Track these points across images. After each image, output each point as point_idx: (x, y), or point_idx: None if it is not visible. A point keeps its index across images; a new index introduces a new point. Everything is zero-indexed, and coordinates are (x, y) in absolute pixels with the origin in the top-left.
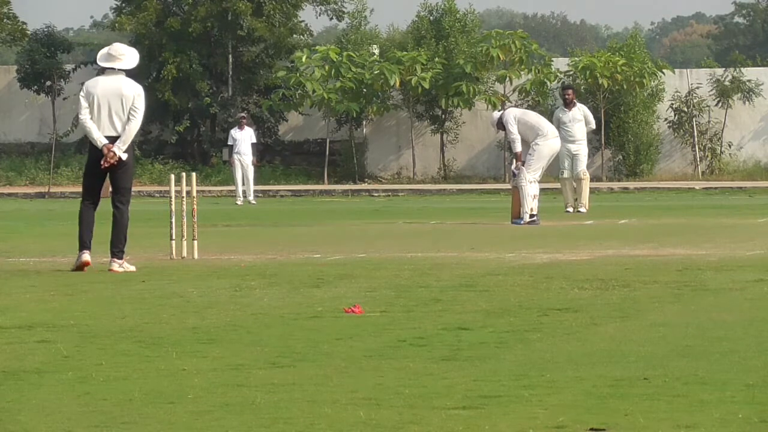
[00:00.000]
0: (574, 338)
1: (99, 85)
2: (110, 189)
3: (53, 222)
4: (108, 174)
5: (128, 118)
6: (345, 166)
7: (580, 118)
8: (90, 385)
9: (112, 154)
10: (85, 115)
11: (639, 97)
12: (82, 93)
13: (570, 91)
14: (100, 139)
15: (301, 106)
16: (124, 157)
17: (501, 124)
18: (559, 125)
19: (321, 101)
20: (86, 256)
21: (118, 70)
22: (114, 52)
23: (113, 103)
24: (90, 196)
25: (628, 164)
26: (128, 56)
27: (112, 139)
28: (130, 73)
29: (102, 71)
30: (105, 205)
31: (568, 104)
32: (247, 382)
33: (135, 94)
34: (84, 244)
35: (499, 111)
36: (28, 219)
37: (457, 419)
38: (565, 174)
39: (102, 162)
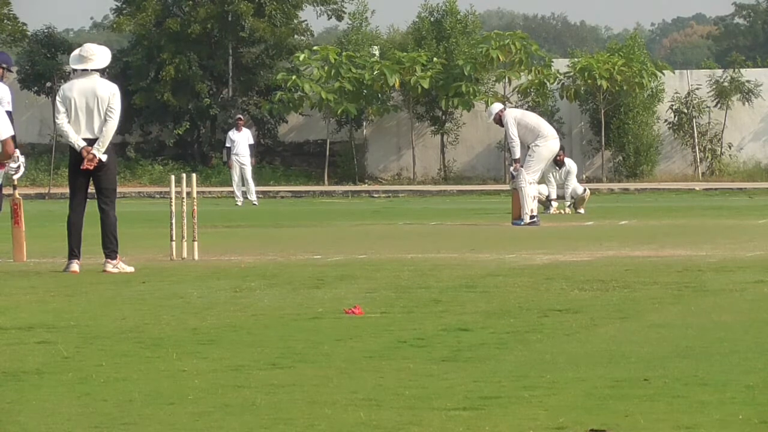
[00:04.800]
0: (574, 339)
1: (75, 87)
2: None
3: (53, 223)
4: (90, 175)
5: (105, 119)
6: (345, 167)
7: (569, 170)
8: (90, 386)
9: (91, 156)
10: (62, 120)
11: (639, 98)
12: (58, 97)
13: (561, 152)
14: (77, 142)
15: (301, 107)
16: (104, 158)
17: (498, 120)
18: (554, 181)
19: (320, 102)
20: (74, 267)
21: (92, 70)
22: (85, 53)
23: (90, 105)
24: (77, 196)
25: (629, 165)
26: (100, 56)
27: (92, 142)
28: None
29: (75, 73)
30: (92, 207)
31: (558, 163)
32: (247, 383)
33: (110, 94)
34: (73, 253)
35: (499, 104)
36: (28, 220)
37: (457, 420)
38: (548, 191)
39: (82, 165)
